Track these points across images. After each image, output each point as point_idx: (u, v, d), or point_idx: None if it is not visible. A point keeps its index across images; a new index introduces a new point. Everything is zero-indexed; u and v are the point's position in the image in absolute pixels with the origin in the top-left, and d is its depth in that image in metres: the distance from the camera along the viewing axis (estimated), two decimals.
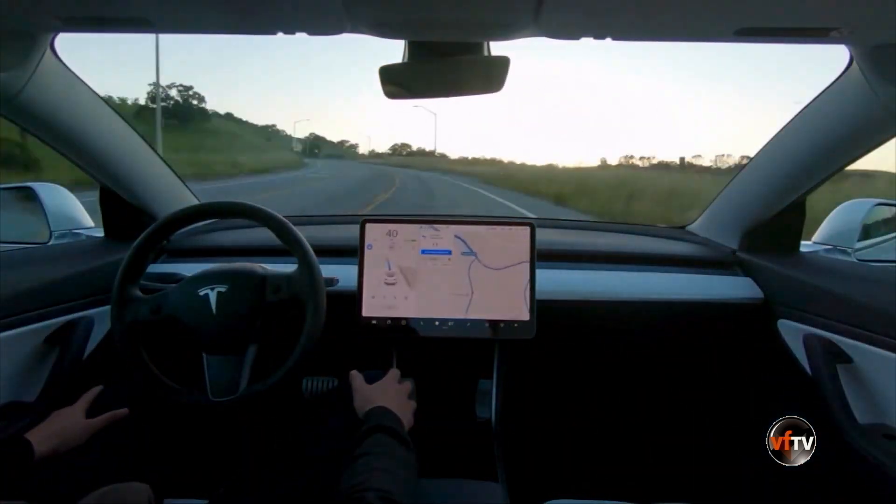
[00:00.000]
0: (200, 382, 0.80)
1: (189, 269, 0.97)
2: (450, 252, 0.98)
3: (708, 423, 1.33)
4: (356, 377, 0.80)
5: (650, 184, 13.05)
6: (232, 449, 1.11)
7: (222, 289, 0.81)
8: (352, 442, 0.64)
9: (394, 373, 0.83)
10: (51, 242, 1.23)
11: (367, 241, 0.98)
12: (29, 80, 0.76)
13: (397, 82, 0.80)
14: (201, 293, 0.81)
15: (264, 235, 0.90)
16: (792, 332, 0.96)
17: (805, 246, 1.16)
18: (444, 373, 1.04)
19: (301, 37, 0.65)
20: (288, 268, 0.87)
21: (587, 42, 0.64)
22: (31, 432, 0.69)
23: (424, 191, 15.43)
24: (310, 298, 0.80)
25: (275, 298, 0.82)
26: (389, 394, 0.76)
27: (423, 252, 0.98)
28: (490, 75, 0.77)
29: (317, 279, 0.81)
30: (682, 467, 1.30)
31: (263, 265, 0.87)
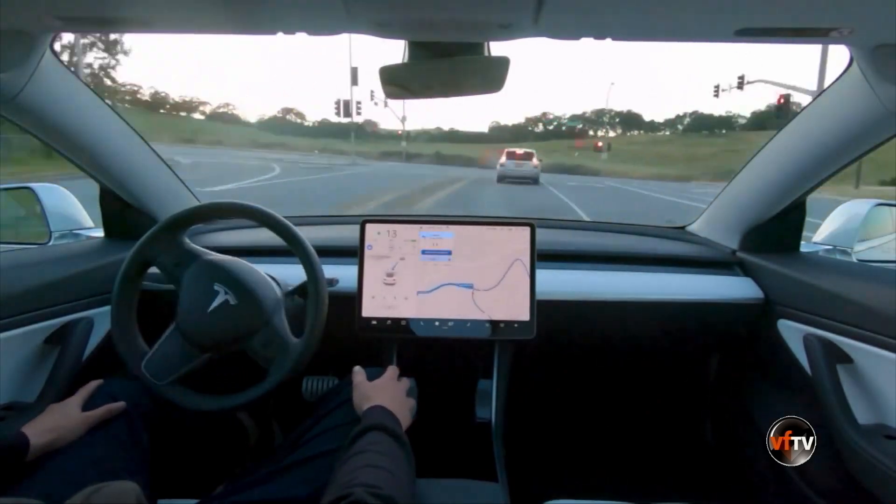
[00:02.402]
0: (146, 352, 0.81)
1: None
2: (450, 252, 0.98)
3: (708, 423, 1.33)
4: (359, 373, 0.80)
5: None
6: (231, 448, 1.11)
7: (231, 300, 0.80)
8: (347, 440, 0.65)
9: (392, 370, 0.83)
10: (51, 242, 1.23)
11: (367, 241, 0.98)
12: (29, 80, 0.76)
13: (397, 82, 0.80)
14: (215, 287, 0.81)
15: (265, 235, 0.90)
16: (792, 332, 0.96)
17: (805, 246, 1.16)
18: (444, 373, 1.03)
19: (301, 36, 0.65)
20: (288, 268, 0.87)
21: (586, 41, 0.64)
22: (28, 426, 0.68)
23: None
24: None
25: (257, 346, 0.80)
26: (388, 392, 0.76)
27: (424, 252, 0.98)
28: (490, 75, 0.77)
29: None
30: (682, 467, 1.30)
31: (283, 295, 0.87)
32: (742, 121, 73.26)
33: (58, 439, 0.68)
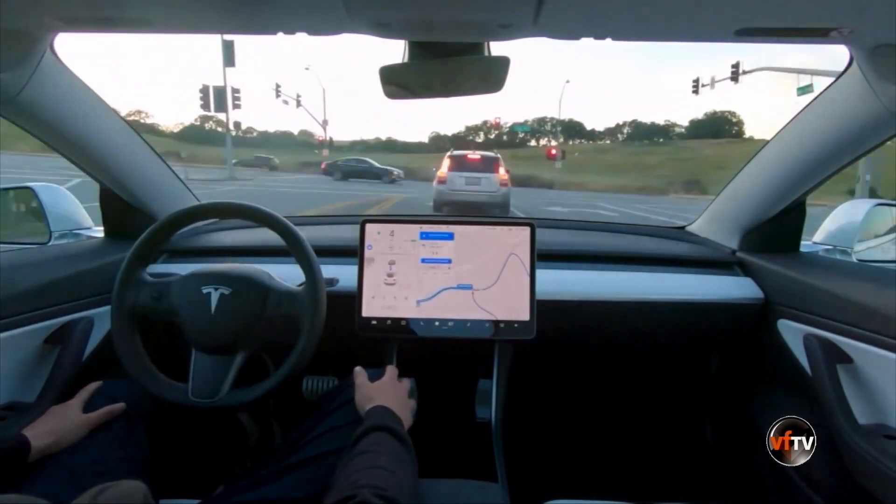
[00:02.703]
0: (184, 380, 0.80)
1: (189, 269, 0.97)
2: (450, 261, 0.98)
3: (708, 423, 1.33)
4: (360, 374, 0.80)
5: None
6: (232, 448, 1.11)
7: (225, 291, 0.81)
8: (350, 441, 0.64)
9: (392, 370, 0.83)
10: (51, 242, 1.23)
11: (367, 241, 0.98)
12: (29, 80, 0.76)
13: (397, 82, 0.80)
14: (204, 290, 0.81)
15: (265, 235, 0.90)
16: (792, 332, 0.96)
17: (805, 246, 1.16)
18: (444, 373, 1.03)
19: (301, 36, 0.65)
20: (287, 268, 0.87)
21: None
22: (28, 428, 0.68)
23: None
24: (307, 320, 0.81)
25: (274, 313, 0.82)
26: (389, 392, 0.76)
27: (423, 261, 0.98)
28: (490, 75, 0.77)
29: (319, 300, 0.81)
30: (682, 467, 1.30)
31: (270, 273, 0.87)
32: (680, 129, 74.52)
33: (58, 441, 0.69)
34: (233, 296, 0.81)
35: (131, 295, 0.82)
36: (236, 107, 18.33)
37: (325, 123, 32.56)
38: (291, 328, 0.83)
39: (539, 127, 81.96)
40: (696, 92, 19.60)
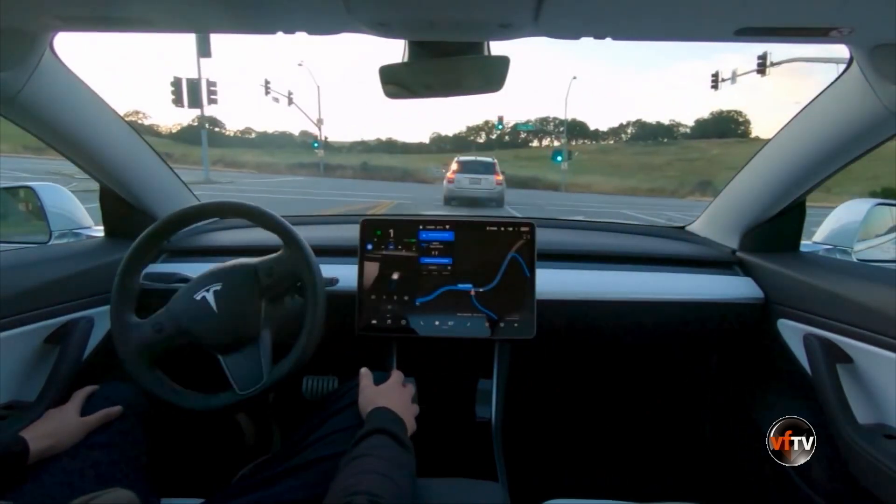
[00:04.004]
0: (225, 382, 0.80)
1: (189, 268, 0.97)
2: (450, 260, 0.98)
3: (708, 423, 1.33)
4: (366, 375, 0.80)
5: None
6: (229, 448, 1.11)
7: (217, 287, 0.81)
8: (351, 443, 0.64)
9: (397, 374, 0.82)
10: (51, 242, 1.23)
11: (367, 240, 0.98)
12: (29, 80, 0.76)
13: (397, 82, 0.80)
14: (198, 297, 0.81)
15: (264, 235, 0.90)
16: (792, 332, 0.96)
17: (805, 246, 1.16)
18: (444, 373, 1.04)
19: (301, 36, 0.65)
20: None
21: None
22: (26, 431, 0.68)
23: None
24: (304, 270, 0.82)
25: (270, 280, 0.83)
26: (393, 396, 0.76)
27: (423, 261, 0.98)
28: (490, 75, 0.77)
29: (306, 251, 0.82)
30: (682, 467, 1.30)
31: (254, 258, 0.87)
32: (685, 129, 72.17)
33: (57, 444, 0.68)
34: (226, 288, 0.81)
35: (133, 338, 0.80)
36: (212, 101, 15.82)
37: (319, 122, 29.76)
38: (297, 288, 0.84)
39: (542, 126, 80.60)
40: (715, 87, 17.86)
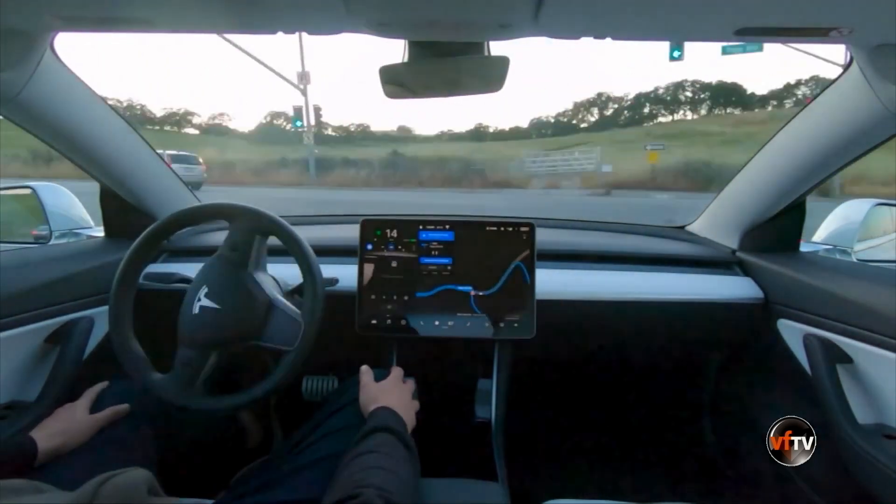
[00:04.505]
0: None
1: (189, 268, 0.97)
2: (450, 260, 0.98)
3: (708, 423, 1.33)
4: (366, 373, 0.80)
5: None
6: (232, 448, 1.11)
7: (205, 290, 0.80)
8: (354, 439, 0.64)
9: (397, 371, 0.83)
10: (51, 242, 1.23)
11: (367, 240, 0.98)
12: (29, 80, 0.76)
13: (397, 82, 0.80)
14: (196, 310, 0.79)
15: None
16: (792, 332, 0.96)
17: (805, 246, 1.16)
18: (444, 373, 1.04)
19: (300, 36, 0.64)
20: (287, 268, 0.87)
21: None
22: (36, 430, 0.69)
23: None
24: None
25: (236, 254, 0.82)
26: (394, 394, 0.76)
27: (423, 261, 0.98)
28: (490, 75, 0.77)
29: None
30: (682, 467, 1.30)
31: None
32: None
33: (66, 443, 0.69)
34: (212, 284, 0.80)
35: (172, 390, 0.78)
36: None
37: (303, 79, 15.45)
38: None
39: (673, 96, 59.83)
40: None
